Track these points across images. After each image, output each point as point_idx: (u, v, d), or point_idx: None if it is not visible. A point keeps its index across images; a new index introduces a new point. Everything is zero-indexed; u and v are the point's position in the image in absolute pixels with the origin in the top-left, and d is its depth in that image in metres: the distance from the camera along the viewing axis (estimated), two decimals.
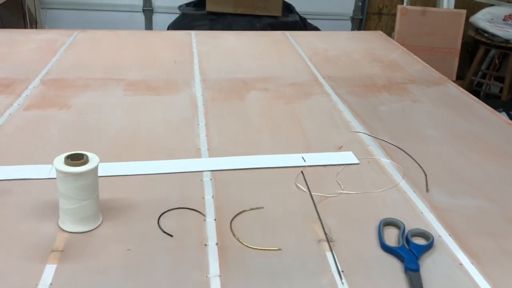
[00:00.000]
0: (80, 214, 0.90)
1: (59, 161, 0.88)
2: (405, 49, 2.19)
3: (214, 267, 0.83)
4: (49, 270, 0.81)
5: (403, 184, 1.12)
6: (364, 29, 4.20)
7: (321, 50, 2.11)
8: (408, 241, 0.91)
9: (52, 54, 1.86)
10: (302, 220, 0.98)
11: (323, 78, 1.77)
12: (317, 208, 1.01)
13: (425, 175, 1.16)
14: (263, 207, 1.01)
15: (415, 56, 2.08)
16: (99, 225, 0.93)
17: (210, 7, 3.24)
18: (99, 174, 0.92)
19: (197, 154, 1.20)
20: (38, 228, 0.91)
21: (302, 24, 3.35)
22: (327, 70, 1.85)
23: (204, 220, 0.96)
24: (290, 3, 3.48)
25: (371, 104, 1.56)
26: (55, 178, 0.89)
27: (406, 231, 0.94)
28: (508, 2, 3.88)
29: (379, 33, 2.45)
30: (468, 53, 4.11)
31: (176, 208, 0.99)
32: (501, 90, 3.77)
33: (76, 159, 0.88)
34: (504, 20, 3.69)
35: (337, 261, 0.86)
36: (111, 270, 0.82)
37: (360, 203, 1.04)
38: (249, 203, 1.01)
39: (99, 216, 0.94)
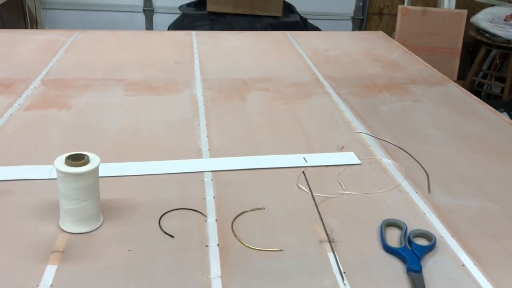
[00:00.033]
0: (80, 214, 0.89)
1: (59, 161, 0.88)
2: (406, 49, 2.18)
3: (215, 268, 0.83)
4: (50, 271, 0.81)
5: (405, 184, 1.11)
6: (365, 29, 4.20)
7: (322, 50, 2.10)
8: (410, 242, 0.91)
9: (53, 54, 1.86)
10: (303, 220, 0.97)
11: (324, 78, 1.76)
12: (319, 208, 1.01)
13: (427, 175, 1.15)
14: (264, 208, 1.00)
15: (416, 56, 2.08)
16: (100, 226, 0.92)
17: (210, 7, 3.24)
18: (100, 174, 0.91)
19: (198, 155, 1.20)
20: (38, 229, 0.91)
21: (302, 24, 3.35)
22: (328, 70, 1.85)
23: (205, 220, 0.96)
24: (291, 3, 3.48)
25: (372, 104, 1.56)
26: (56, 179, 0.89)
27: (408, 231, 0.94)
28: (509, 2, 3.88)
29: (380, 33, 2.44)
30: (469, 53, 4.11)
31: (177, 209, 0.98)
32: (502, 91, 3.76)
33: (76, 159, 0.87)
34: (505, 20, 3.68)
35: (339, 262, 0.86)
36: (112, 271, 0.82)
37: (361, 203, 1.04)
38: (250, 204, 1.01)
39: (99, 216, 0.93)
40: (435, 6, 3.82)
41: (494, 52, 3.80)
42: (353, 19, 4.22)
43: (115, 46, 2.02)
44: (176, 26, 3.29)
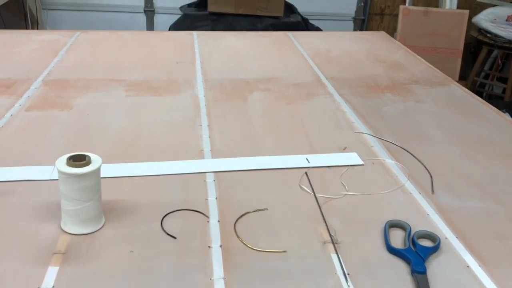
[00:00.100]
0: (82, 215, 0.89)
1: (61, 162, 0.87)
2: (408, 49, 2.18)
3: (218, 270, 0.82)
4: (51, 273, 0.80)
5: (409, 185, 1.11)
6: (366, 30, 4.19)
7: (324, 50, 2.10)
8: (414, 243, 0.90)
9: (54, 55, 1.86)
10: (306, 221, 0.97)
11: (326, 79, 1.76)
12: (322, 209, 1.00)
13: (431, 176, 1.15)
14: (267, 209, 1.00)
15: (418, 57, 2.07)
16: (102, 227, 0.92)
17: (211, 7, 3.24)
18: (101, 175, 0.90)
19: (200, 155, 1.19)
20: (40, 230, 0.90)
21: (304, 25, 3.34)
22: (330, 71, 1.84)
23: (208, 221, 0.95)
24: (292, 3, 3.47)
25: (375, 104, 1.55)
26: (57, 180, 0.88)
27: (412, 233, 0.93)
28: (511, 2, 3.87)
29: (382, 33, 2.44)
30: (471, 53, 4.10)
31: (179, 210, 0.98)
32: (504, 91, 3.75)
33: (78, 160, 0.87)
34: (507, 20, 3.67)
35: (342, 263, 0.85)
36: (114, 273, 0.81)
37: (365, 204, 1.03)
38: (253, 205, 1.00)
39: (101, 217, 0.93)
40: (437, 6, 3.81)
41: (495, 52, 3.79)
42: (355, 19, 4.22)
43: (116, 46, 2.02)
44: (177, 26, 3.28)
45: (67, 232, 0.89)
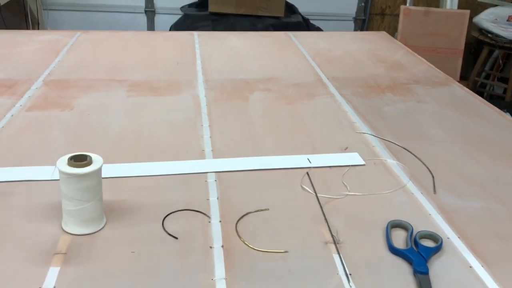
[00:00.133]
0: (83, 216, 0.88)
1: (62, 162, 0.87)
2: (409, 49, 2.17)
3: (219, 270, 0.82)
4: (52, 273, 0.80)
5: (410, 185, 1.10)
6: (367, 30, 4.19)
7: (325, 50, 2.09)
8: (416, 243, 0.90)
9: (55, 55, 1.85)
10: (308, 222, 0.96)
11: (327, 79, 1.75)
12: (323, 209, 1.00)
13: (432, 176, 1.14)
14: (268, 209, 1.00)
15: (419, 57, 2.07)
16: (103, 227, 0.91)
17: (212, 7, 3.23)
18: (102, 175, 0.90)
19: (201, 155, 1.19)
20: (41, 230, 0.90)
21: (304, 25, 3.34)
22: (331, 71, 1.84)
23: (209, 222, 0.95)
24: (293, 3, 3.47)
25: (376, 104, 1.55)
26: (58, 180, 0.88)
27: (414, 233, 0.93)
28: None
29: (383, 33, 2.44)
30: (472, 53, 4.10)
31: (180, 210, 0.97)
32: (505, 91, 3.75)
33: (79, 160, 0.87)
34: (508, 20, 3.67)
35: (344, 263, 0.85)
36: (115, 273, 0.81)
37: (366, 204, 1.03)
38: (254, 205, 1.00)
39: (102, 218, 0.92)
40: (438, 6, 3.81)
41: (496, 52, 3.79)
42: (355, 19, 4.22)
43: (117, 46, 2.02)
44: (178, 26, 3.28)
45: (68, 233, 0.89)
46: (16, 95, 1.49)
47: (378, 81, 1.76)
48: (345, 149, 1.25)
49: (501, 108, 1.68)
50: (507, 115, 1.55)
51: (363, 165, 1.18)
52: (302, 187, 1.08)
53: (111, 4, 3.89)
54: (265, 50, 2.08)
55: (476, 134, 1.38)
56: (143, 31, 3.45)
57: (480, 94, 3.86)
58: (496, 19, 3.67)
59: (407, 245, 0.90)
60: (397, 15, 3.67)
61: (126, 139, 1.26)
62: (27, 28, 3.42)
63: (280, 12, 3.28)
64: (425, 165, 1.19)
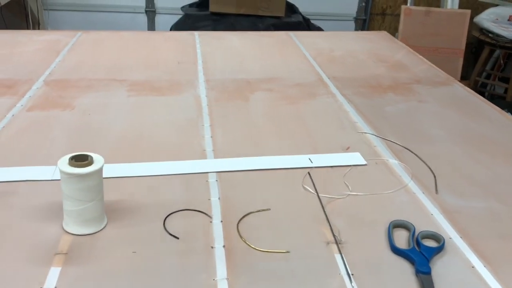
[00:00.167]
0: (84, 216, 0.88)
1: (63, 162, 0.86)
2: (410, 49, 2.17)
3: (221, 270, 0.82)
4: (54, 273, 0.79)
5: (412, 185, 1.10)
6: (368, 30, 4.19)
7: (326, 50, 2.09)
8: (418, 243, 0.90)
9: (55, 55, 1.85)
10: (310, 222, 0.96)
11: (328, 79, 1.75)
12: (325, 209, 1.00)
13: (434, 176, 1.14)
14: (270, 209, 0.99)
15: (421, 56, 2.07)
16: (104, 227, 0.91)
17: (213, 7, 3.23)
18: (103, 175, 0.90)
19: (203, 155, 1.19)
20: (42, 230, 0.90)
21: (305, 25, 3.34)
22: (332, 71, 1.83)
23: (211, 222, 0.94)
24: (293, 3, 3.47)
25: (377, 104, 1.55)
26: (59, 180, 0.88)
27: (416, 233, 0.93)
28: None
29: (384, 33, 2.43)
30: (473, 53, 4.10)
31: (182, 210, 0.97)
32: (505, 91, 3.75)
33: (80, 160, 0.86)
34: (509, 20, 3.67)
35: (346, 263, 0.84)
36: (116, 273, 0.81)
37: (368, 204, 1.03)
38: (255, 205, 1.00)
39: (103, 218, 0.92)
40: (438, 6, 3.81)
41: (497, 52, 3.79)
42: (356, 19, 4.22)
43: (117, 46, 2.02)
44: (178, 26, 3.28)
45: (69, 233, 0.89)
46: (17, 95, 1.48)
47: (379, 81, 1.76)
48: (347, 149, 1.25)
49: (502, 108, 1.68)
50: (508, 115, 1.54)
51: (365, 165, 1.18)
52: (303, 187, 1.08)
53: (112, 4, 3.89)
54: (266, 50, 2.08)
55: (478, 133, 1.38)
56: (143, 31, 3.45)
57: (481, 94, 3.86)
58: (497, 19, 3.67)
59: (409, 245, 0.90)
60: (398, 15, 3.67)
61: (127, 139, 1.26)
62: (28, 28, 3.42)
63: (280, 12, 3.28)
64: (426, 165, 1.19)
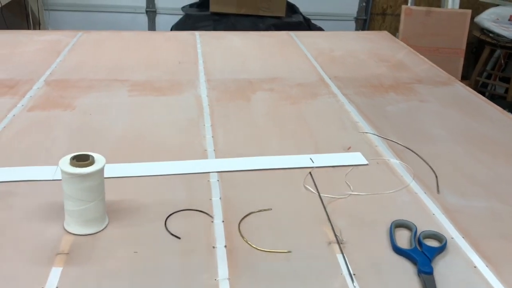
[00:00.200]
0: (86, 216, 0.88)
1: (64, 162, 0.86)
2: (411, 49, 2.17)
3: (222, 270, 0.82)
4: (55, 273, 0.79)
5: (414, 185, 1.10)
6: (368, 30, 4.18)
7: (327, 50, 2.09)
8: (420, 243, 0.89)
9: (56, 55, 1.85)
10: (311, 221, 0.96)
11: (330, 79, 1.75)
12: (327, 209, 0.99)
13: (436, 176, 1.14)
14: (271, 209, 0.99)
15: (422, 56, 2.06)
16: (105, 227, 0.91)
17: (213, 7, 3.23)
18: (105, 175, 0.90)
19: (204, 155, 1.19)
20: (43, 230, 0.89)
21: (306, 25, 3.33)
22: (333, 71, 1.83)
23: (212, 222, 0.94)
24: (294, 3, 3.47)
25: (379, 104, 1.55)
26: (60, 180, 0.87)
27: (418, 233, 0.92)
28: None
29: (385, 33, 2.43)
30: (473, 53, 4.09)
31: (183, 210, 0.97)
32: (506, 91, 3.75)
33: (81, 160, 0.86)
34: (509, 20, 3.66)
35: (348, 263, 0.84)
36: (118, 273, 0.80)
37: (370, 204, 1.02)
38: (257, 205, 1.00)
39: (105, 218, 0.92)
40: (439, 6, 3.81)
41: (498, 52, 3.78)
42: (356, 19, 4.21)
43: (118, 46, 2.01)
44: (179, 27, 3.28)
45: (70, 233, 0.89)
46: (17, 95, 1.48)
47: (380, 80, 1.75)
48: (348, 149, 1.25)
49: (503, 108, 1.68)
50: (510, 115, 1.54)
51: (366, 164, 1.17)
52: (305, 187, 1.07)
53: (112, 4, 3.89)
54: (267, 50, 2.07)
55: (479, 133, 1.38)
56: (144, 31, 3.45)
57: (482, 94, 3.84)
58: (498, 19, 3.66)
59: (411, 245, 0.89)
60: (399, 15, 3.66)
61: (128, 139, 1.25)
62: (28, 29, 3.42)
63: (281, 12, 3.27)
64: (428, 164, 1.19)
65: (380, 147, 1.26)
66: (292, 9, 3.44)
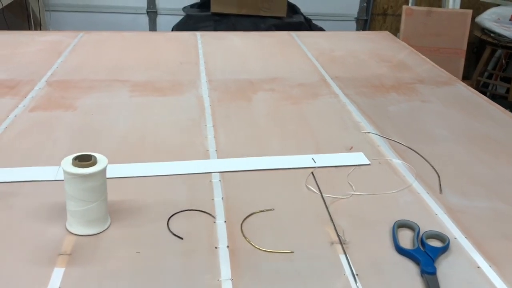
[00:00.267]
0: (88, 216, 0.88)
1: (66, 162, 0.86)
2: (412, 49, 2.17)
3: (225, 271, 0.82)
4: (57, 274, 0.79)
5: (416, 185, 1.10)
6: (369, 30, 4.18)
7: (328, 50, 2.09)
8: (423, 243, 0.89)
9: (57, 56, 1.85)
10: (314, 222, 0.96)
11: (331, 79, 1.75)
12: (329, 209, 0.99)
13: (438, 176, 1.14)
14: (273, 209, 0.99)
15: (423, 56, 2.06)
16: (108, 228, 0.91)
17: (214, 8, 3.23)
18: (107, 175, 0.90)
19: (206, 156, 1.19)
20: (45, 231, 0.89)
21: (307, 25, 3.33)
22: (335, 71, 1.83)
23: (214, 222, 0.94)
24: (295, 3, 3.47)
25: (380, 104, 1.55)
26: (63, 180, 0.87)
27: (421, 233, 0.92)
28: None
29: (386, 33, 2.43)
30: (474, 53, 4.09)
31: (185, 210, 0.97)
32: (507, 91, 3.74)
33: (84, 160, 0.86)
34: (510, 20, 3.66)
35: (351, 264, 0.84)
36: (120, 274, 0.80)
37: (372, 204, 1.02)
38: (259, 205, 1.00)
39: (107, 218, 0.92)
40: (440, 6, 3.80)
41: (499, 52, 3.78)
42: (357, 19, 4.21)
43: (119, 47, 2.01)
44: (180, 27, 3.28)
45: (72, 233, 0.89)
46: (19, 95, 1.48)
47: (382, 80, 1.75)
48: (350, 149, 1.24)
49: (504, 107, 1.68)
50: (511, 114, 1.54)
51: (368, 164, 1.17)
52: (307, 187, 1.07)
53: (113, 5, 3.89)
54: (268, 50, 2.07)
55: (481, 133, 1.37)
56: (145, 32, 3.45)
57: (483, 93, 3.83)
58: (499, 19, 3.66)
59: (414, 245, 0.89)
60: (399, 15, 3.66)
61: (130, 140, 1.25)
62: (29, 29, 3.42)
63: (282, 13, 3.27)
64: (430, 164, 1.18)
65: (382, 147, 1.26)
66: (293, 10, 3.43)
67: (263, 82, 1.69)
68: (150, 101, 1.50)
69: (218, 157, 1.18)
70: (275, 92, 1.61)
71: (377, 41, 2.27)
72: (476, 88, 3.77)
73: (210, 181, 1.08)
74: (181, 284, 0.79)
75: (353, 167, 1.16)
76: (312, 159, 1.18)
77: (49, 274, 0.79)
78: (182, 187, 1.05)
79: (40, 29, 3.59)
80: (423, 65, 1.95)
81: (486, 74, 3.95)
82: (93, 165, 0.86)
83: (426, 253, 0.86)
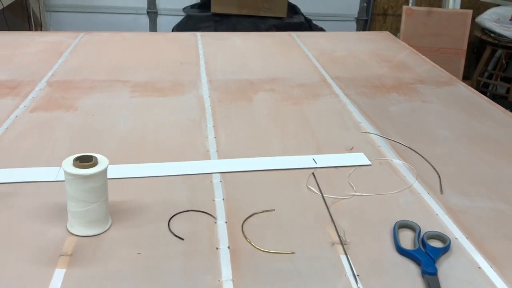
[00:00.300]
0: (89, 217, 0.88)
1: (67, 163, 0.86)
2: (413, 49, 2.17)
3: (226, 271, 0.82)
4: (58, 275, 0.79)
5: (417, 185, 1.10)
6: (369, 30, 4.18)
7: (328, 50, 2.09)
8: (424, 244, 0.89)
9: (58, 56, 1.85)
10: (314, 222, 0.96)
11: (331, 79, 1.75)
12: (330, 210, 0.99)
13: (439, 176, 1.14)
14: (274, 210, 0.99)
15: (423, 56, 2.06)
16: (108, 229, 0.91)
17: (214, 8, 3.23)
18: (108, 176, 0.90)
19: (206, 156, 1.19)
20: (46, 232, 0.89)
21: (307, 25, 3.33)
22: (335, 71, 1.83)
23: (215, 222, 0.94)
24: (295, 4, 3.47)
25: (381, 104, 1.54)
26: (63, 181, 0.87)
27: (422, 233, 0.92)
28: None
29: (386, 33, 2.43)
30: (474, 53, 4.09)
31: (186, 211, 0.97)
32: (507, 91, 3.74)
33: (84, 161, 0.86)
34: (510, 20, 3.66)
35: (352, 264, 0.84)
36: (121, 275, 0.80)
37: (373, 205, 1.02)
38: (260, 206, 1.00)
39: (108, 219, 0.92)
40: (440, 6, 3.80)
41: (499, 52, 3.78)
42: (357, 20, 4.21)
43: (120, 47, 2.01)
44: (180, 27, 3.28)
45: (73, 234, 0.89)
46: (20, 96, 1.48)
47: (382, 81, 1.75)
48: (351, 149, 1.24)
49: (504, 108, 1.68)
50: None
51: (369, 165, 1.17)
52: (308, 187, 1.07)
53: (114, 5, 3.89)
54: (268, 50, 2.07)
55: (482, 133, 1.37)
56: (146, 32, 3.46)
57: (483, 94, 3.83)
58: (499, 19, 3.66)
59: (414, 245, 0.89)
60: (399, 15, 3.66)
61: (131, 140, 1.25)
62: (30, 30, 3.43)
63: (282, 13, 3.27)
64: (431, 165, 1.18)
65: (383, 148, 1.26)
66: (293, 10, 3.43)
67: (264, 82, 1.69)
68: (151, 101, 1.50)
69: (219, 158, 1.18)
70: (276, 93, 1.61)
71: (377, 41, 2.27)
72: (477, 88, 3.77)
73: (211, 181, 1.08)
74: (182, 284, 0.79)
75: (354, 168, 1.16)
76: (313, 159, 1.18)
77: (50, 275, 0.79)
78: (183, 187, 1.05)
79: (41, 30, 3.59)
80: (424, 65, 1.95)
81: (486, 74, 3.95)
82: (94, 166, 0.86)
83: (427, 254, 0.86)
